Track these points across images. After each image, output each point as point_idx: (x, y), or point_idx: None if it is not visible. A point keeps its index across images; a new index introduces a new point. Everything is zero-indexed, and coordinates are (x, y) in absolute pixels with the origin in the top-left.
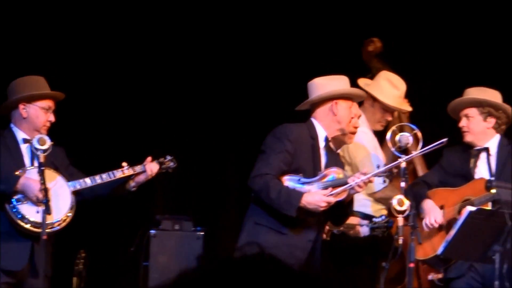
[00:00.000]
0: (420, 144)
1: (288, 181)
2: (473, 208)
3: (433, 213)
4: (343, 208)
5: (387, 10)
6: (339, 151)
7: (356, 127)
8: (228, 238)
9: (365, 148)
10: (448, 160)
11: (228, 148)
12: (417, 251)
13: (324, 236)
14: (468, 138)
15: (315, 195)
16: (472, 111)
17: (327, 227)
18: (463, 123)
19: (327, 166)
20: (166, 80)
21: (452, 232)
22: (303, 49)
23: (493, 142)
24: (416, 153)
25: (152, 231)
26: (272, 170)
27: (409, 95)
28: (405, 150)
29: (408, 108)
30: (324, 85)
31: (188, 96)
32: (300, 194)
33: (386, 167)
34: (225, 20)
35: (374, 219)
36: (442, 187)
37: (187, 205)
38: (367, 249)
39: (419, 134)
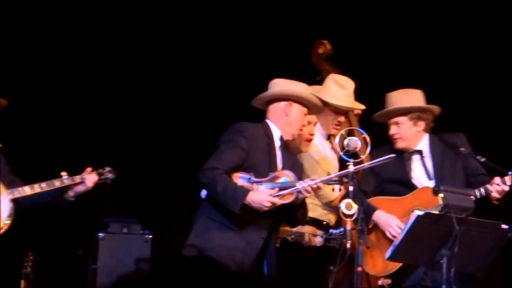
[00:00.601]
0: (369, 149)
1: (239, 178)
2: (421, 212)
3: (392, 222)
4: (293, 211)
5: (338, 12)
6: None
7: (311, 134)
8: (177, 241)
9: (314, 155)
10: (380, 165)
11: (177, 151)
12: (370, 267)
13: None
14: (400, 145)
15: (261, 194)
16: (402, 119)
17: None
18: (393, 130)
19: (283, 166)
20: (113, 82)
21: (400, 236)
22: (254, 52)
23: (423, 143)
24: (362, 166)
25: (100, 234)
26: (223, 165)
27: (359, 98)
28: (354, 154)
29: (359, 106)
30: (282, 84)
31: (137, 98)
32: (246, 191)
33: (336, 174)
34: (180, 22)
35: (331, 230)
36: (379, 194)
37: (136, 208)
38: (319, 258)
39: (368, 138)
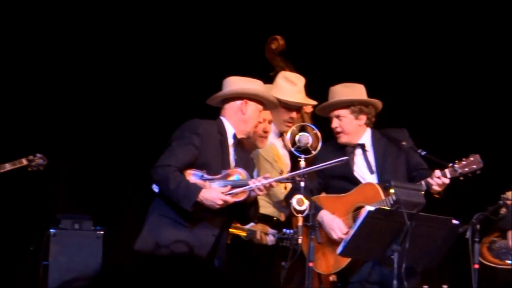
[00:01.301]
0: (320, 144)
1: (192, 176)
2: (372, 208)
3: (336, 225)
4: (245, 209)
5: (290, 8)
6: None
7: (266, 132)
8: (128, 237)
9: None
10: (325, 161)
11: (129, 147)
12: (320, 265)
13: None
14: (342, 139)
15: (213, 192)
16: (343, 112)
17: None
18: (335, 124)
19: (236, 164)
20: (65, 78)
21: (351, 231)
22: (207, 48)
23: (366, 137)
24: (315, 167)
25: (52, 230)
26: (176, 162)
27: (312, 93)
28: (305, 150)
29: (310, 102)
30: (238, 83)
31: (89, 94)
32: (198, 189)
33: (289, 174)
34: (136, 18)
35: (284, 230)
36: (323, 191)
37: (87, 204)
38: (271, 255)
39: (319, 134)
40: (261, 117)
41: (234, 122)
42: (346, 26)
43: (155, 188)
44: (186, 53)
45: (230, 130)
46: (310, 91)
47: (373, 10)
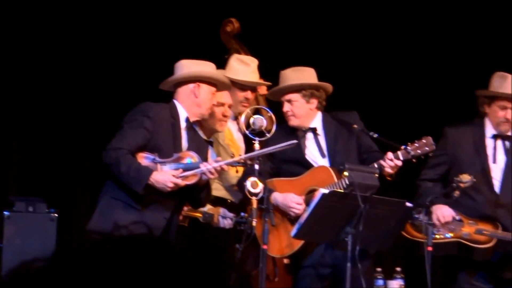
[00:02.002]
0: (274, 127)
1: (143, 159)
2: (326, 191)
3: (291, 201)
4: (197, 192)
5: None
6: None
7: (225, 116)
8: (83, 219)
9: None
10: (275, 145)
11: (81, 130)
12: (273, 249)
13: (186, 223)
14: (293, 122)
15: (164, 175)
16: (295, 96)
17: (186, 212)
18: (286, 108)
19: (189, 147)
20: (17, 60)
21: (305, 214)
22: (161, 31)
23: (317, 121)
24: (265, 150)
25: (6, 213)
26: (127, 145)
27: (267, 76)
28: (259, 133)
29: (264, 82)
30: (189, 66)
31: (42, 76)
32: (149, 172)
33: (239, 157)
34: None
35: (242, 214)
36: (275, 176)
37: (41, 186)
38: (227, 238)
39: (274, 117)
40: (220, 101)
41: (187, 105)
42: (298, 10)
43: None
44: (140, 36)
45: (182, 114)
46: (264, 74)
47: None
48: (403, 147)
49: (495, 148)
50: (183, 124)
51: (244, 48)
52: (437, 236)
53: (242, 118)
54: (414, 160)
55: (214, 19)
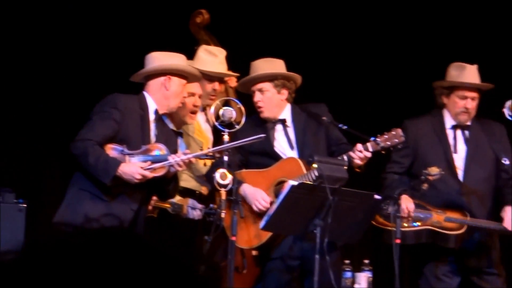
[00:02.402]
0: (243, 119)
1: (112, 150)
2: (295, 183)
3: (259, 195)
4: (165, 184)
5: None
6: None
7: (196, 106)
8: (52, 210)
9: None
10: (245, 137)
11: (50, 120)
12: (241, 240)
13: (155, 214)
14: (265, 114)
15: (132, 167)
16: (266, 85)
17: (155, 204)
18: (257, 97)
19: (157, 139)
20: None
21: (274, 206)
22: (131, 21)
23: (286, 112)
24: (233, 144)
25: None
26: (96, 137)
27: (235, 68)
28: (229, 124)
29: (232, 73)
30: (160, 59)
31: (8, 66)
32: (117, 163)
33: (207, 150)
34: None
35: (211, 205)
36: (244, 167)
37: (9, 177)
38: (196, 230)
39: (243, 109)
40: (190, 91)
41: (157, 98)
42: (267, 1)
43: None
44: (109, 27)
45: (152, 106)
46: (234, 65)
47: None
48: (372, 138)
49: (455, 138)
50: (152, 116)
51: (213, 39)
52: (405, 225)
53: (212, 110)
54: (383, 152)
55: (184, 10)
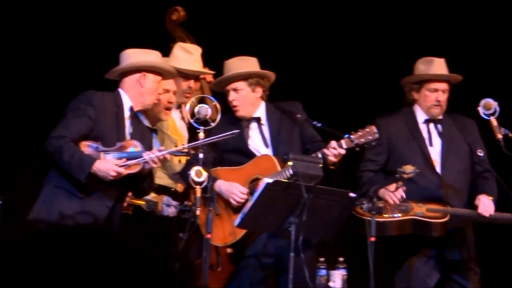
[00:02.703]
0: (219, 116)
1: (87, 147)
2: (270, 180)
3: (235, 189)
4: (140, 181)
5: None
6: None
7: (170, 102)
8: (26, 207)
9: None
10: (219, 135)
11: (24, 117)
12: (216, 238)
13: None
14: (240, 112)
15: (107, 164)
16: (240, 84)
17: (129, 200)
18: (232, 96)
19: (132, 136)
20: None
21: (249, 203)
22: (107, 18)
23: (261, 110)
24: (206, 140)
25: None
26: (70, 134)
27: (211, 65)
28: (204, 122)
29: (207, 71)
30: (135, 56)
31: None
32: (92, 160)
33: (181, 146)
34: None
35: (186, 203)
36: (218, 164)
37: None
38: (171, 227)
39: (218, 106)
40: (165, 87)
41: (132, 95)
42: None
43: None
44: (85, 24)
45: (127, 103)
46: (210, 62)
47: None
48: (346, 136)
49: (429, 132)
50: (127, 113)
51: (189, 36)
52: (385, 215)
53: (187, 107)
54: (357, 149)
55: (159, 7)
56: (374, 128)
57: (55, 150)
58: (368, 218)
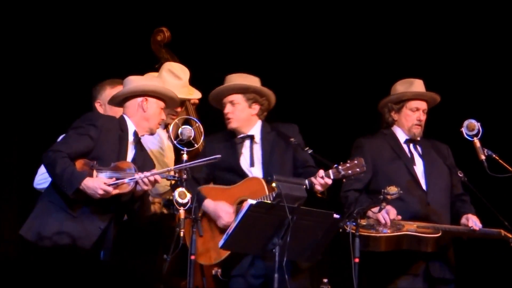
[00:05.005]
0: (202, 137)
1: (83, 164)
2: (253, 201)
3: (221, 211)
4: (130, 203)
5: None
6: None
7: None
8: (8, 226)
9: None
10: (213, 152)
11: (12, 132)
12: (202, 257)
13: None
14: (233, 124)
15: (96, 181)
16: (237, 98)
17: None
18: (228, 109)
19: (134, 162)
20: None
21: (233, 224)
22: (93, 40)
23: (256, 129)
24: (193, 163)
25: None
26: (67, 149)
27: (196, 85)
28: (188, 143)
29: (195, 96)
30: (138, 81)
31: None
32: (82, 176)
33: (171, 168)
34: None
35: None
36: (210, 181)
37: None
38: (149, 240)
39: (202, 128)
40: (163, 114)
41: (136, 120)
42: (231, 19)
43: (37, 185)
44: (71, 44)
45: (131, 128)
46: (195, 83)
47: (256, 2)
48: (335, 166)
49: (410, 152)
50: (131, 138)
51: (174, 57)
52: (379, 229)
53: (171, 129)
54: (344, 180)
55: (144, 28)
56: (362, 161)
57: (49, 162)
58: (365, 234)
